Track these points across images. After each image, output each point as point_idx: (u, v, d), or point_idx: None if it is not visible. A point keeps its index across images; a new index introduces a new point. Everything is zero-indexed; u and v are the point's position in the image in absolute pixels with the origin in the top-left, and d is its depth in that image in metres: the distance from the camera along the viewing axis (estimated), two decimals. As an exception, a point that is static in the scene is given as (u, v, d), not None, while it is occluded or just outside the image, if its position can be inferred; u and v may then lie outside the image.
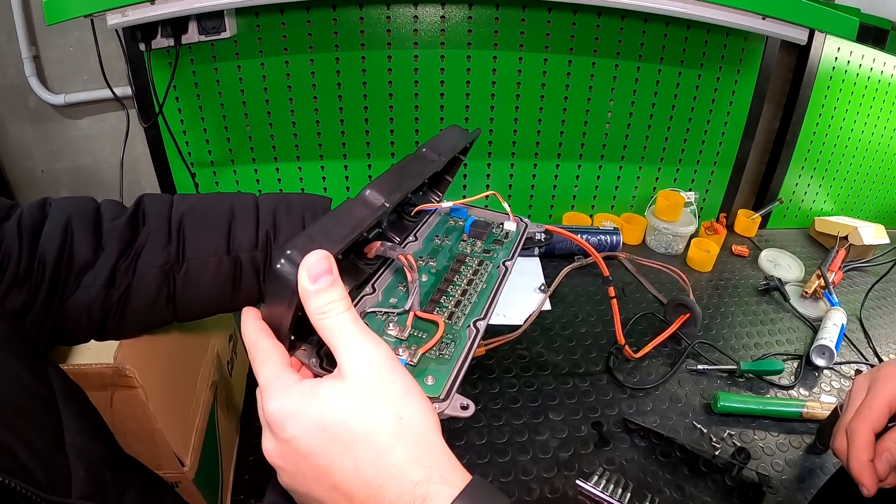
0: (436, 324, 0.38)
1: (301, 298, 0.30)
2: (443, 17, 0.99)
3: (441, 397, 0.33)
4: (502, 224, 0.52)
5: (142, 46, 0.93)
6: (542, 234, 0.51)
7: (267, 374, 0.31)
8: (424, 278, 0.44)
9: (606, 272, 0.65)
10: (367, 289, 0.41)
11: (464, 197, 0.50)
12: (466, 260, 0.47)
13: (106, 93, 1.03)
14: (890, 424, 0.53)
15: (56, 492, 0.32)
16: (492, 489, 0.29)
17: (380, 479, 0.27)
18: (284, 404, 0.29)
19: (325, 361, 0.35)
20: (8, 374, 0.34)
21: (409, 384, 0.30)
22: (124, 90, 1.02)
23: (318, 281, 0.29)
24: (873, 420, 0.51)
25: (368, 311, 0.39)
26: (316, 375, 0.34)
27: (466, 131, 0.52)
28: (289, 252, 0.30)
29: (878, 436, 0.51)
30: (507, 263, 0.47)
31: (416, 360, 0.35)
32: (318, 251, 0.30)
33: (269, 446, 0.30)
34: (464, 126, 0.52)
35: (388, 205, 0.37)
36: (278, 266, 0.30)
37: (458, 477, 0.28)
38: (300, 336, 0.35)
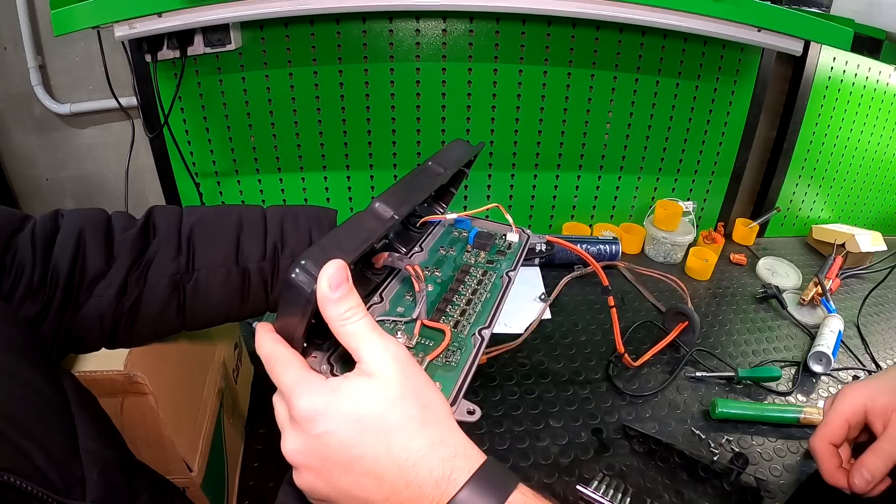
0: (442, 332, 0.39)
1: (321, 306, 0.31)
2: (444, 30, 1.00)
3: (448, 402, 0.34)
4: (505, 235, 0.53)
5: (148, 58, 0.94)
6: (544, 244, 0.52)
7: (292, 377, 0.32)
8: (430, 288, 0.45)
9: (606, 281, 0.66)
10: (375, 298, 0.42)
11: (466, 208, 0.51)
12: (471, 270, 0.48)
13: (111, 103, 1.04)
14: (864, 440, 0.59)
15: (71, 495, 0.32)
16: (505, 468, 0.32)
17: (412, 459, 0.30)
18: (316, 401, 0.31)
19: (336, 368, 0.36)
20: (23, 381, 0.35)
21: (427, 377, 0.33)
22: (129, 100, 1.04)
23: (338, 289, 0.31)
24: (829, 435, 0.58)
25: (377, 319, 0.40)
26: None
27: (471, 145, 0.53)
28: (303, 262, 0.31)
29: (859, 449, 0.57)
30: (511, 274, 0.48)
31: (423, 367, 0.36)
32: (336, 261, 0.31)
33: (293, 445, 0.32)
34: (465, 137, 0.54)
35: (396, 217, 0.38)
36: (293, 276, 0.31)
37: (475, 454, 0.32)
38: (309, 343, 0.36)
